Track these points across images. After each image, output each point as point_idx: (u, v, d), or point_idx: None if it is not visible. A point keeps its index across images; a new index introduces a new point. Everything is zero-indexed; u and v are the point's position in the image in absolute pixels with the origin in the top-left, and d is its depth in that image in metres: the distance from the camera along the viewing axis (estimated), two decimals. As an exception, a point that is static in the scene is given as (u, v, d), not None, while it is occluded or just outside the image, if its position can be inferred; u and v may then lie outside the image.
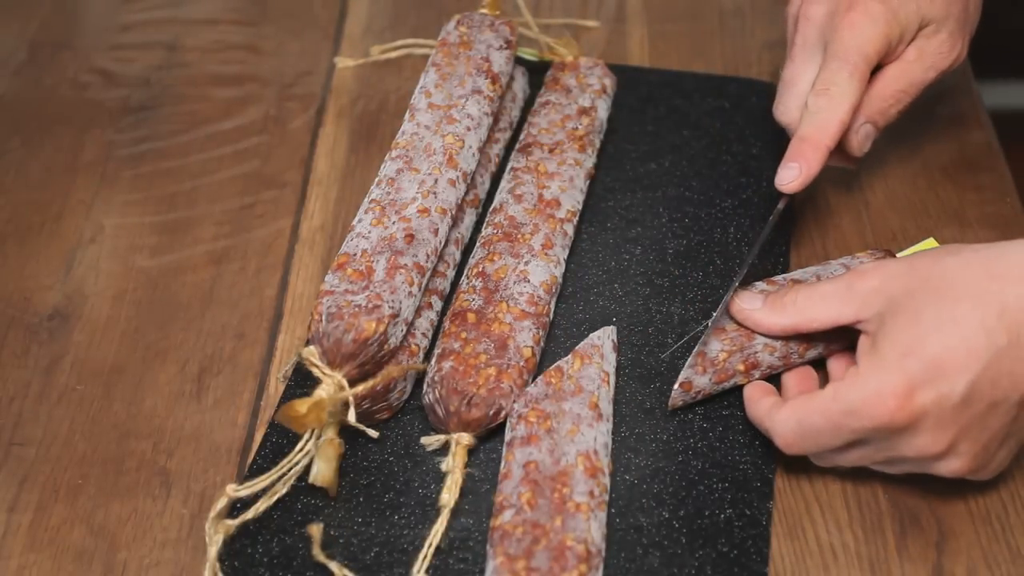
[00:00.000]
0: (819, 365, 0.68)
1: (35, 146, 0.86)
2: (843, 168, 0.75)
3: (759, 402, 0.63)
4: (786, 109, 0.73)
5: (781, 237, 0.76)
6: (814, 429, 0.60)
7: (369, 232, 0.66)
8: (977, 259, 0.59)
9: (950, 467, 0.59)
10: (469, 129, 0.73)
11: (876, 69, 0.71)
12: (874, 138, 0.73)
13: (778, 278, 0.69)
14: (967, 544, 0.63)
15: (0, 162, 0.85)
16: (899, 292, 0.59)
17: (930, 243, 0.75)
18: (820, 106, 0.68)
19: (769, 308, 0.65)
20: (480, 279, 0.70)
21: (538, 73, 0.86)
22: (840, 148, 0.71)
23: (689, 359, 0.65)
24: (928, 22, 0.70)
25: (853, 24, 0.69)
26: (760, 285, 0.68)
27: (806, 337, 0.65)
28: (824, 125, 0.68)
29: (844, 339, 0.64)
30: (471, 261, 0.72)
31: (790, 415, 0.61)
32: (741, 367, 0.66)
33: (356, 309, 0.62)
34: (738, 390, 0.67)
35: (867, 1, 0.69)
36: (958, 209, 0.80)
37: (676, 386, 0.65)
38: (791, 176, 0.69)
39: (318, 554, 0.60)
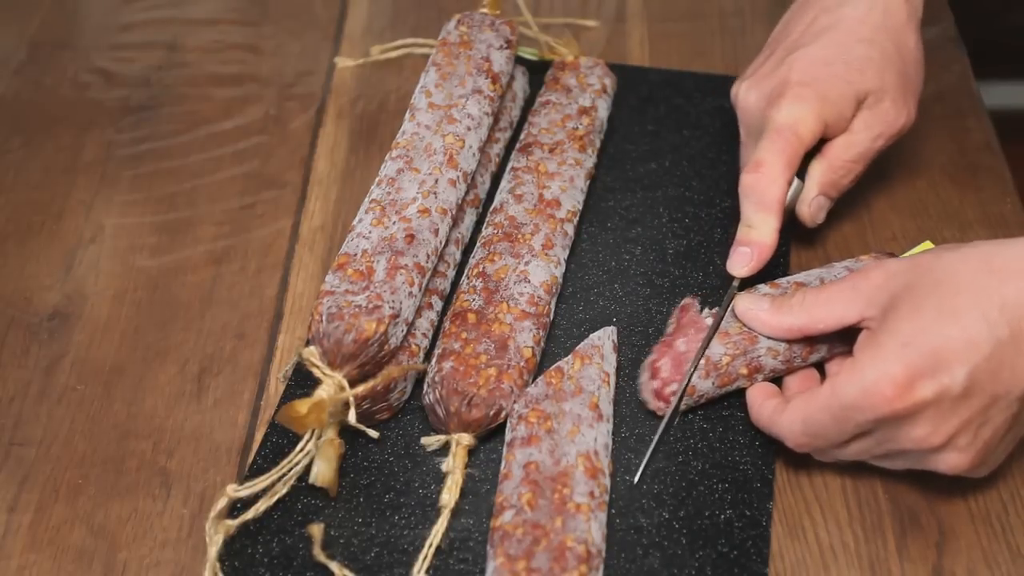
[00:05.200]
0: (820, 367, 0.68)
1: (35, 146, 0.86)
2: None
3: (763, 406, 0.64)
4: None
5: (782, 238, 0.76)
6: (819, 426, 0.60)
7: (369, 232, 0.66)
8: (976, 254, 0.59)
9: (949, 462, 0.59)
10: (469, 129, 0.73)
11: (823, 144, 0.73)
12: (827, 209, 0.74)
13: (781, 280, 0.69)
14: (967, 544, 0.63)
15: (0, 162, 0.85)
16: (900, 288, 0.60)
17: (927, 245, 0.75)
18: (751, 183, 0.69)
19: (775, 309, 0.65)
20: (480, 279, 0.69)
21: (538, 73, 0.86)
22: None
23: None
24: (866, 94, 0.72)
25: (782, 107, 0.70)
26: (763, 288, 0.68)
27: (809, 340, 0.65)
28: (762, 203, 0.69)
29: (848, 342, 0.64)
30: (471, 261, 0.72)
31: (794, 416, 0.61)
32: (744, 371, 0.66)
33: (356, 309, 0.62)
34: (738, 391, 0.67)
35: (795, 86, 0.71)
36: (958, 209, 0.80)
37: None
38: (744, 261, 0.69)
39: (318, 554, 0.60)
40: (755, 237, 0.69)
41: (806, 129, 0.70)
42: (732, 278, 0.69)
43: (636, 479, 0.64)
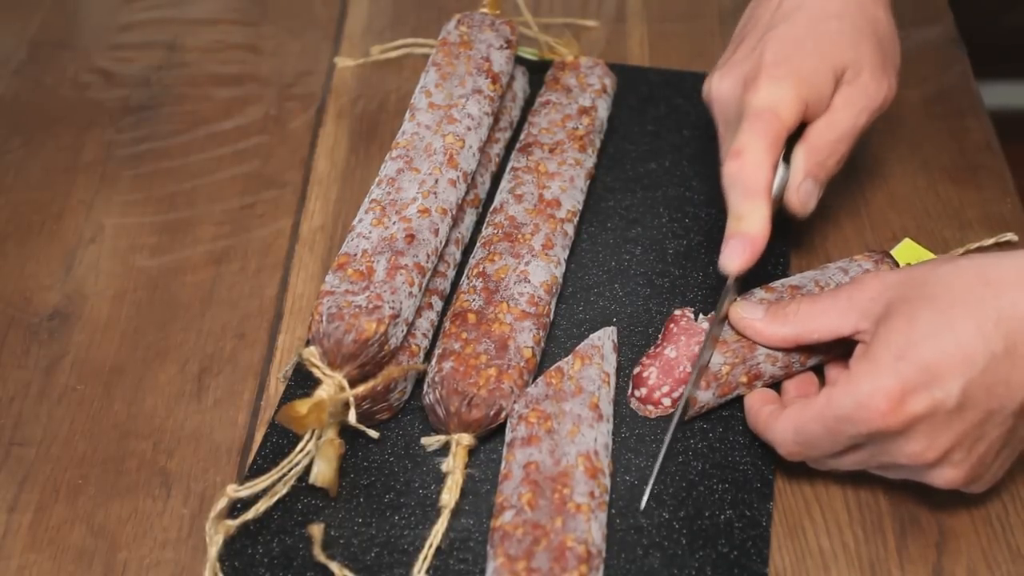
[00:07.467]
0: (820, 369, 0.68)
1: (35, 146, 0.86)
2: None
3: (758, 412, 0.63)
4: None
5: (781, 238, 0.76)
6: (811, 436, 0.60)
7: (369, 232, 0.66)
8: (972, 266, 0.59)
9: (944, 477, 0.59)
10: (469, 129, 0.73)
11: (805, 127, 0.69)
12: (818, 195, 0.69)
13: (776, 284, 0.69)
14: (967, 544, 0.63)
15: (0, 162, 0.85)
16: (895, 300, 0.59)
17: (908, 244, 0.75)
18: (734, 171, 0.66)
19: (770, 318, 0.65)
20: (480, 279, 0.69)
21: (538, 72, 0.86)
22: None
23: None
24: (843, 69, 0.68)
25: (759, 89, 0.67)
26: (759, 292, 0.68)
27: (807, 347, 0.65)
28: (748, 191, 0.65)
29: (845, 348, 0.64)
30: (471, 261, 0.72)
31: (787, 425, 0.61)
32: (744, 379, 0.65)
33: (356, 310, 0.62)
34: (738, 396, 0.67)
35: (769, 67, 0.67)
36: (958, 209, 0.80)
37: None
38: (736, 254, 0.65)
39: (318, 554, 0.60)
40: (745, 228, 0.65)
41: (785, 109, 0.66)
42: (727, 276, 0.66)
43: (643, 505, 0.63)
